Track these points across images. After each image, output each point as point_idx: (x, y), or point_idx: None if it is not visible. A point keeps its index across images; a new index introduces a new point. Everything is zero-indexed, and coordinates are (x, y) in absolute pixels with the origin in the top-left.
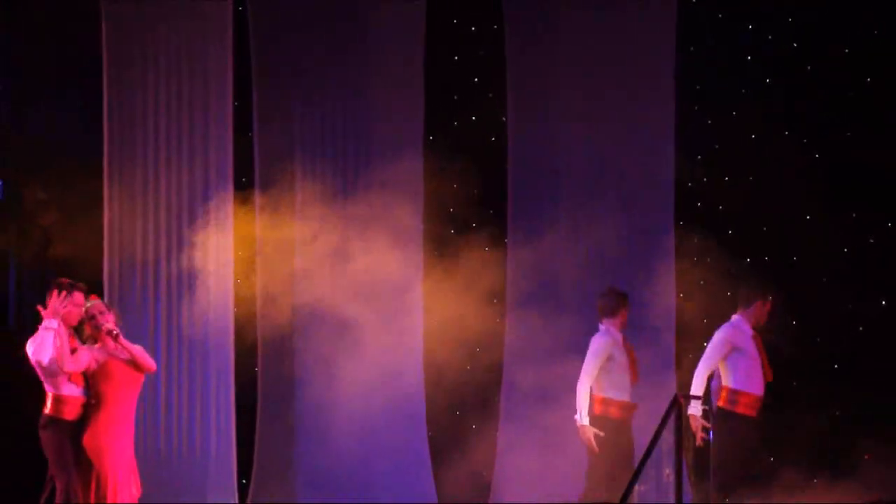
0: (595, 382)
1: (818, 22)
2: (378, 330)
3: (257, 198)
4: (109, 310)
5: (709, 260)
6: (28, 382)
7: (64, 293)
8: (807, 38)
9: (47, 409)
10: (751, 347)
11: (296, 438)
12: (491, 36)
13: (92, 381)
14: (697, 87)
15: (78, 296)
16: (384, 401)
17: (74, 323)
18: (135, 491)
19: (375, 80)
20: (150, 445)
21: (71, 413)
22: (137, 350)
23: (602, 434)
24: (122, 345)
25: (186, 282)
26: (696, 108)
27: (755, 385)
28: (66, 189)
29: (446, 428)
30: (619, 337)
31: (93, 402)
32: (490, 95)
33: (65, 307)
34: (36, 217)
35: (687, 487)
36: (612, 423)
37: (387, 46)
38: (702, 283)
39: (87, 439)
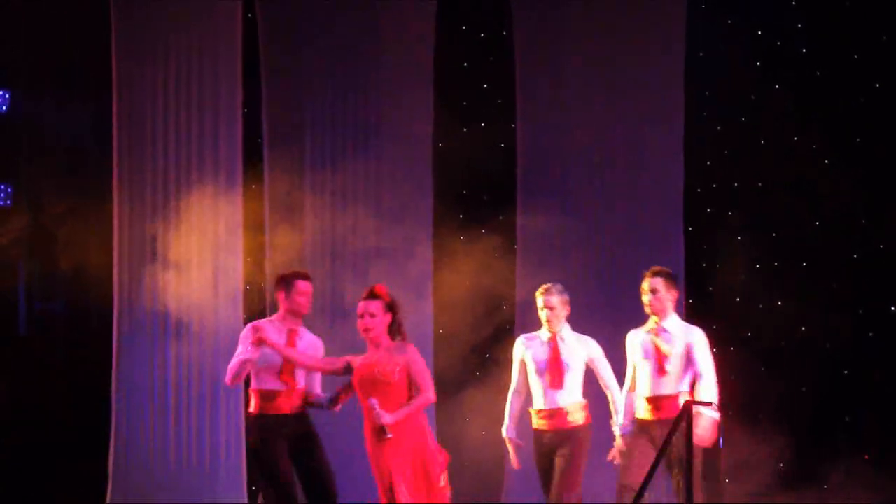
0: None
1: (828, 27)
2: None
3: (267, 203)
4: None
5: (718, 266)
6: (41, 389)
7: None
8: (816, 43)
9: (252, 407)
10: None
11: None
12: (500, 42)
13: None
14: (707, 92)
15: (302, 284)
16: None
17: (305, 311)
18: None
19: (385, 86)
20: (160, 453)
21: (281, 406)
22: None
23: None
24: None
25: (196, 289)
26: (705, 113)
27: None
28: (75, 195)
29: (455, 428)
30: (536, 338)
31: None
32: (499, 102)
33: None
34: (45, 224)
35: (697, 494)
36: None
37: (396, 53)
38: (711, 288)
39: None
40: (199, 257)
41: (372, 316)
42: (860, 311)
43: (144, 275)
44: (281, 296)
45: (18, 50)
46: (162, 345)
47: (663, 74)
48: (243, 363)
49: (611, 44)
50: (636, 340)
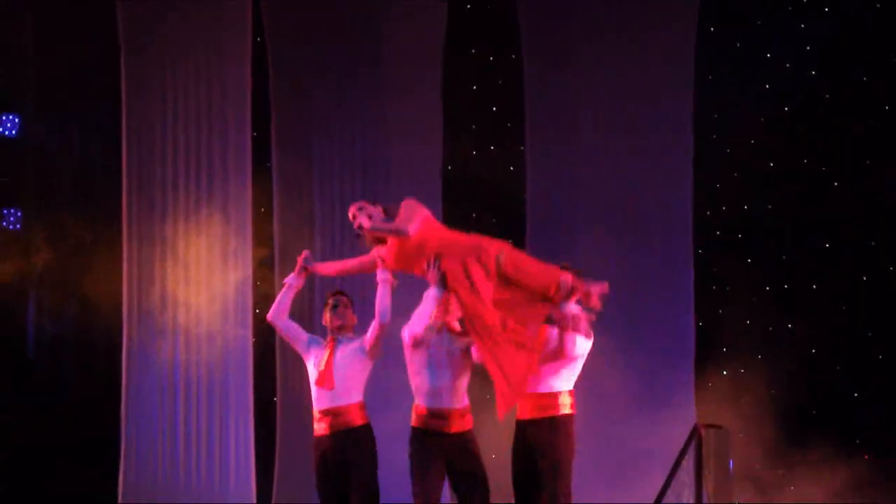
0: None
1: (836, 50)
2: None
3: (276, 230)
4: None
5: (728, 288)
6: (49, 411)
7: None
8: (825, 66)
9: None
10: None
11: None
12: (509, 66)
13: None
14: (715, 115)
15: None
16: (402, 419)
17: (338, 323)
18: None
19: (394, 110)
20: (170, 471)
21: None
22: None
23: None
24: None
25: (205, 311)
26: (714, 136)
27: None
28: (84, 217)
29: None
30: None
31: None
32: (508, 125)
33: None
34: (54, 247)
35: None
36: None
37: (405, 76)
38: (721, 311)
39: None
40: (208, 278)
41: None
42: (870, 334)
43: (153, 295)
44: (325, 316)
45: (27, 75)
46: (171, 366)
47: (672, 98)
48: (286, 289)
49: (619, 66)
50: None
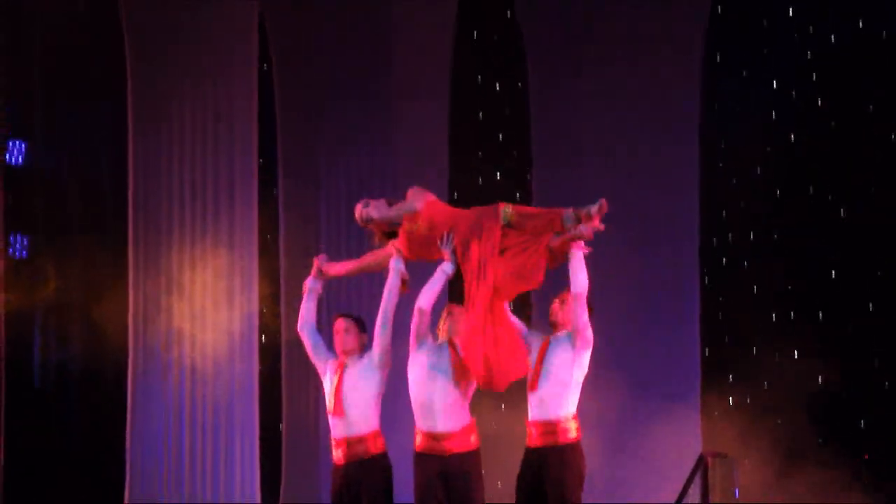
0: None
1: (842, 79)
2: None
3: (282, 258)
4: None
5: (734, 317)
6: (55, 441)
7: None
8: (831, 94)
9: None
10: None
11: (321, 487)
12: (515, 93)
13: None
14: (722, 144)
15: (335, 323)
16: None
17: (343, 347)
18: None
19: (401, 137)
20: (174, 494)
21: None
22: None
23: None
24: None
25: (211, 344)
26: (720, 164)
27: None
28: (91, 245)
29: None
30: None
31: None
32: (514, 153)
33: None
34: (61, 275)
35: None
36: None
37: (412, 104)
38: (727, 340)
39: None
40: (214, 310)
41: None
42: (876, 363)
43: (160, 323)
44: (334, 340)
45: (34, 102)
46: (176, 396)
47: (678, 127)
48: (307, 295)
49: (626, 95)
50: None
